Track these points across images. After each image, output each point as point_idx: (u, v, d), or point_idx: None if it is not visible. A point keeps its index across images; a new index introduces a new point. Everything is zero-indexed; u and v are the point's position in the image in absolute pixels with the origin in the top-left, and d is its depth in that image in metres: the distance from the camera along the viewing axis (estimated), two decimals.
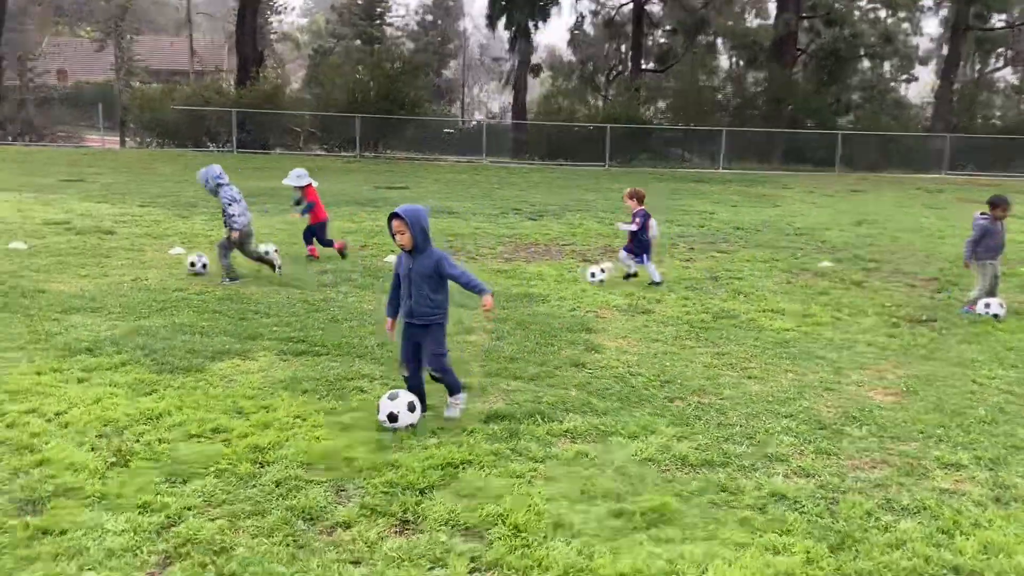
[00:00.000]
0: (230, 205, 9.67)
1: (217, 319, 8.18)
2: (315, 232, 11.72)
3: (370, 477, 4.78)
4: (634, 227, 10.53)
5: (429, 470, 4.86)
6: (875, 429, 5.78)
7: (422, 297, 5.55)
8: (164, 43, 64.43)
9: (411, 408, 5.50)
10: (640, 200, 10.69)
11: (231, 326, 7.94)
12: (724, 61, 48.13)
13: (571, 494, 4.63)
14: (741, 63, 44.27)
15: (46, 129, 37.28)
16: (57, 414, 5.55)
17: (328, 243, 11.78)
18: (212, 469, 4.84)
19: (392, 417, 5.44)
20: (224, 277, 9.84)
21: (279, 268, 10.34)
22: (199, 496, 4.52)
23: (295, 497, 4.53)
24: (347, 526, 4.26)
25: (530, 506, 4.45)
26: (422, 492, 4.62)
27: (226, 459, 4.96)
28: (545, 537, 4.16)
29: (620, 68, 48.06)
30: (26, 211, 15.15)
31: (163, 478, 4.71)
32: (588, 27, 50.71)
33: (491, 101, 73.14)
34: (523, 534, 4.18)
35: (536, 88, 51.51)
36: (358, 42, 58.85)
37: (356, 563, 3.94)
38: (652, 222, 10.66)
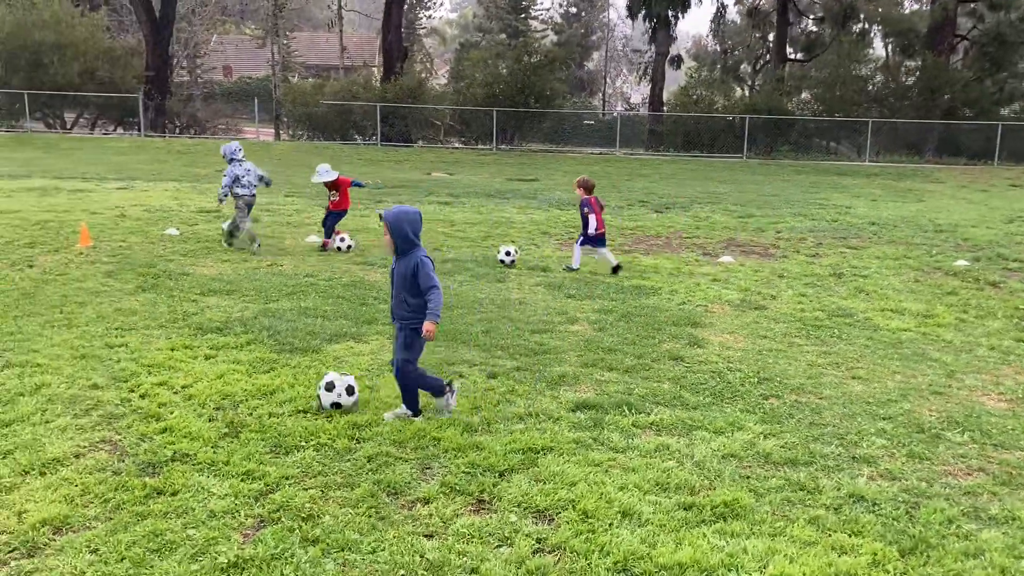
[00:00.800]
0: (224, 177, 11.28)
1: (339, 304, 8.67)
2: (328, 217, 11.99)
3: (454, 457, 5.03)
4: (593, 222, 10.68)
5: (510, 454, 5.07)
6: (978, 436, 5.56)
7: (400, 300, 5.52)
8: (320, 39, 67.35)
9: (350, 391, 5.72)
10: (588, 190, 10.86)
11: (351, 311, 8.40)
12: (876, 49, 45.95)
13: (644, 485, 4.72)
14: (896, 51, 42.14)
15: (209, 122, 39.81)
16: (184, 387, 6.09)
17: (330, 232, 11.91)
18: (313, 443, 5.21)
19: (329, 386, 5.70)
20: (253, 242, 11.54)
21: (258, 245, 11.49)
22: (297, 467, 4.89)
23: (383, 472, 4.83)
24: (427, 502, 4.52)
25: (602, 494, 4.58)
26: (501, 474, 4.84)
27: (326, 434, 5.33)
28: (611, 524, 4.29)
29: (767, 58, 46.73)
30: (183, 199, 16.36)
31: (268, 449, 5.12)
32: (734, 16, 49.61)
33: (634, 93, 72.59)
34: (590, 520, 4.32)
35: (681, 79, 50.85)
36: (503, 36, 59.79)
37: (429, 536, 4.19)
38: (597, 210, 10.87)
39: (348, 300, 8.84)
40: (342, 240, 11.73)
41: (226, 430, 5.36)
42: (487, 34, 62.47)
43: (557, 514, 4.40)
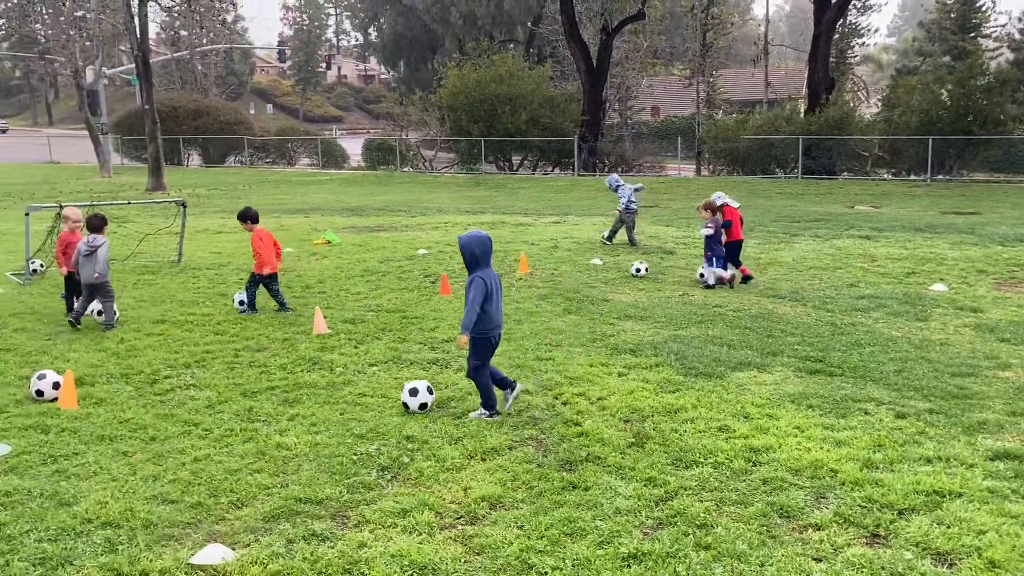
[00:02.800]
0: (621, 197, 15.41)
1: (745, 334, 8.88)
2: (728, 250, 11.96)
3: (851, 490, 5.02)
4: (709, 230, 11.58)
5: (912, 494, 4.92)
6: None
7: None
8: (745, 74, 67.68)
9: (412, 393, 6.56)
10: (713, 211, 11.69)
11: (757, 341, 8.57)
12: None
13: None
14: None
15: (635, 161, 42.11)
16: (599, 398, 6.79)
17: (737, 263, 11.98)
18: (710, 460, 5.53)
19: (413, 391, 6.59)
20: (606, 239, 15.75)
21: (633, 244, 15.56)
22: (695, 480, 5.25)
23: (777, 495, 4.99)
24: (818, 528, 4.60)
25: (1015, 546, 4.29)
26: (900, 513, 4.73)
27: (724, 454, 5.62)
28: None
29: None
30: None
31: (669, 461, 5.55)
32: None
33: None
34: (998, 570, 4.09)
35: None
36: (947, 58, 55.07)
37: (818, 560, 4.28)
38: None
39: (754, 331, 9.01)
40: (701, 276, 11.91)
41: (632, 440, 5.90)
42: (928, 57, 57.93)
43: (959, 559, 4.23)
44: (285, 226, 19.30)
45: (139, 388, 7.22)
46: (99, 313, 9.45)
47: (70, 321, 9.26)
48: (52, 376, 6.91)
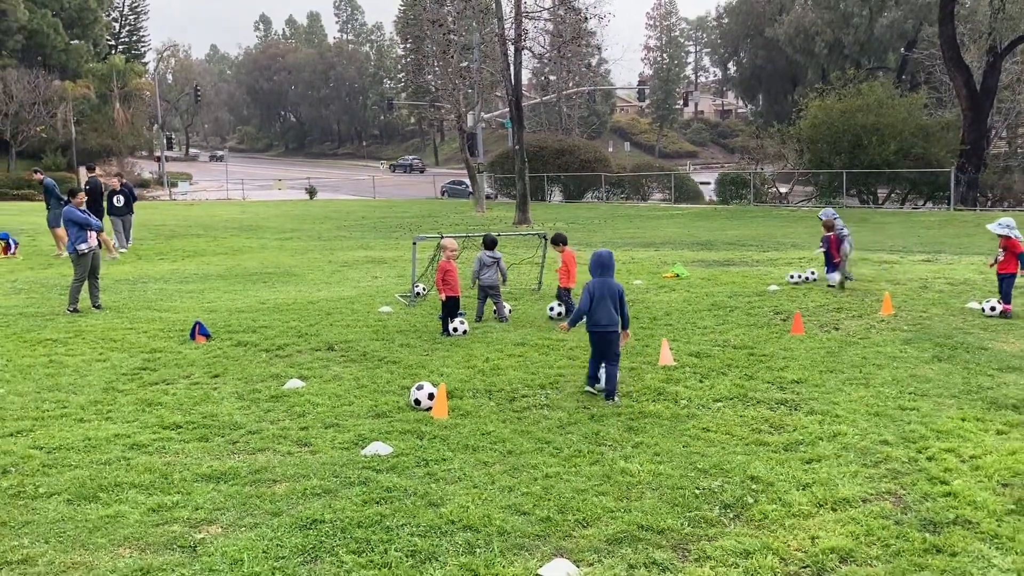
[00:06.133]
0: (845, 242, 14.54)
1: None
2: (1002, 281, 11.63)
3: None
4: (820, 250, 14.70)
5: None
6: None
7: None
8: None
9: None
10: (828, 228, 14.41)
11: None
12: None
13: None
14: None
15: None
16: (971, 457, 6.11)
17: (1007, 297, 11.54)
18: None
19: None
20: None
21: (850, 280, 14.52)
22: None
23: None
24: None
25: None
26: None
27: None
28: None
29: None
30: (988, 274, 15.80)
31: None
32: None
33: None
34: None
35: None
36: None
37: None
38: (846, 244, 14.38)
39: None
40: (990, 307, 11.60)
41: (1013, 506, 5.24)
42: None
43: None
44: (636, 259, 19.77)
45: (500, 404, 7.81)
46: (496, 310, 11.97)
47: (476, 318, 11.79)
48: (428, 388, 7.72)
